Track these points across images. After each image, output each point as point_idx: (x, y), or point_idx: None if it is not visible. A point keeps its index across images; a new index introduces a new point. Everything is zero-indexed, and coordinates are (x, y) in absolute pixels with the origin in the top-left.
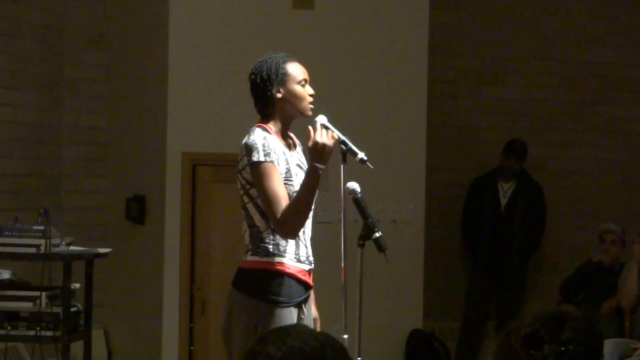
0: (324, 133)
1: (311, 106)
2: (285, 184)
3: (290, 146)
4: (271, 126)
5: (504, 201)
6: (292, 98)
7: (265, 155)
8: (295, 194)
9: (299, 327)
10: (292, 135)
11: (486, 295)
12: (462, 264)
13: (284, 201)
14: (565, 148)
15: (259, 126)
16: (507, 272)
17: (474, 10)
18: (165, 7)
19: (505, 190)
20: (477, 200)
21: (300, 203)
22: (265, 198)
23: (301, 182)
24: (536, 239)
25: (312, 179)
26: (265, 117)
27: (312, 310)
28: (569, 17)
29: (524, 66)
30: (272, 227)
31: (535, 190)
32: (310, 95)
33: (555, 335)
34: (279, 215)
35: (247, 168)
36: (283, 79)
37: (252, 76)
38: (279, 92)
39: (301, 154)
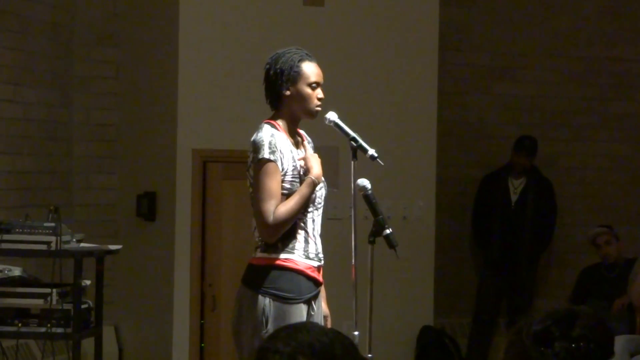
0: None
1: (318, 109)
2: (291, 181)
3: (299, 144)
4: (279, 123)
5: (514, 197)
6: (300, 98)
7: (270, 153)
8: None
9: (309, 324)
10: (301, 132)
11: (497, 291)
12: (472, 260)
13: (276, 202)
14: (575, 144)
15: (267, 123)
16: (517, 268)
17: (484, 7)
18: (175, 3)
19: (516, 186)
20: (488, 197)
21: (296, 210)
22: (260, 194)
23: (301, 190)
24: (547, 235)
25: (311, 190)
26: (274, 112)
27: (322, 308)
28: (579, 13)
29: (534, 62)
30: (254, 224)
31: (545, 186)
32: (319, 99)
33: (566, 332)
34: (270, 214)
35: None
36: (295, 78)
37: (267, 66)
38: (288, 90)
39: (310, 150)
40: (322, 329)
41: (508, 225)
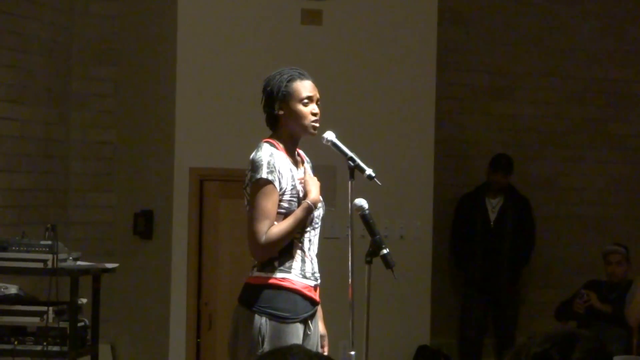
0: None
1: (315, 125)
2: (289, 200)
3: (298, 163)
4: (279, 142)
5: (493, 216)
6: (293, 116)
7: (268, 172)
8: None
9: (296, 349)
10: (300, 152)
11: (481, 311)
12: (461, 279)
13: (270, 223)
14: (573, 164)
15: (266, 142)
16: (499, 287)
17: (482, 27)
18: (173, 22)
19: (494, 205)
20: (466, 217)
21: (289, 233)
22: (255, 213)
23: (297, 214)
24: (526, 252)
25: (306, 214)
26: (273, 132)
27: (319, 327)
28: (577, 33)
29: (531, 82)
30: (249, 243)
31: (523, 203)
32: (314, 114)
33: (565, 355)
34: (263, 234)
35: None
36: (285, 96)
37: (262, 90)
38: (281, 109)
39: (309, 170)
40: (309, 354)
41: (488, 244)
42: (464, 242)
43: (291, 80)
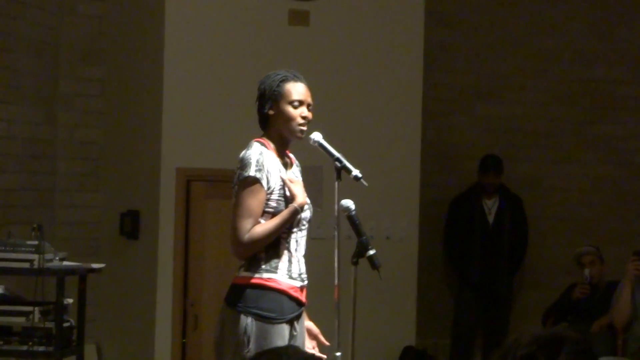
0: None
1: (302, 128)
2: (277, 200)
3: (287, 165)
4: (269, 142)
5: (490, 218)
6: (282, 117)
7: (256, 170)
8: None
9: (291, 350)
10: (290, 154)
11: (476, 313)
12: (455, 280)
13: (253, 222)
14: (559, 165)
15: (257, 141)
16: (497, 288)
17: (469, 28)
18: (160, 22)
19: (490, 206)
20: (462, 219)
21: (272, 234)
22: (239, 210)
23: (283, 215)
24: (522, 251)
25: (292, 217)
26: (264, 132)
27: (311, 326)
28: (564, 34)
29: (518, 83)
30: (230, 239)
31: (517, 203)
32: (303, 117)
33: (551, 357)
34: (245, 232)
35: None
36: (276, 97)
37: (258, 89)
38: (271, 109)
39: (298, 173)
40: (304, 355)
41: (487, 247)
42: (461, 245)
43: (284, 81)
